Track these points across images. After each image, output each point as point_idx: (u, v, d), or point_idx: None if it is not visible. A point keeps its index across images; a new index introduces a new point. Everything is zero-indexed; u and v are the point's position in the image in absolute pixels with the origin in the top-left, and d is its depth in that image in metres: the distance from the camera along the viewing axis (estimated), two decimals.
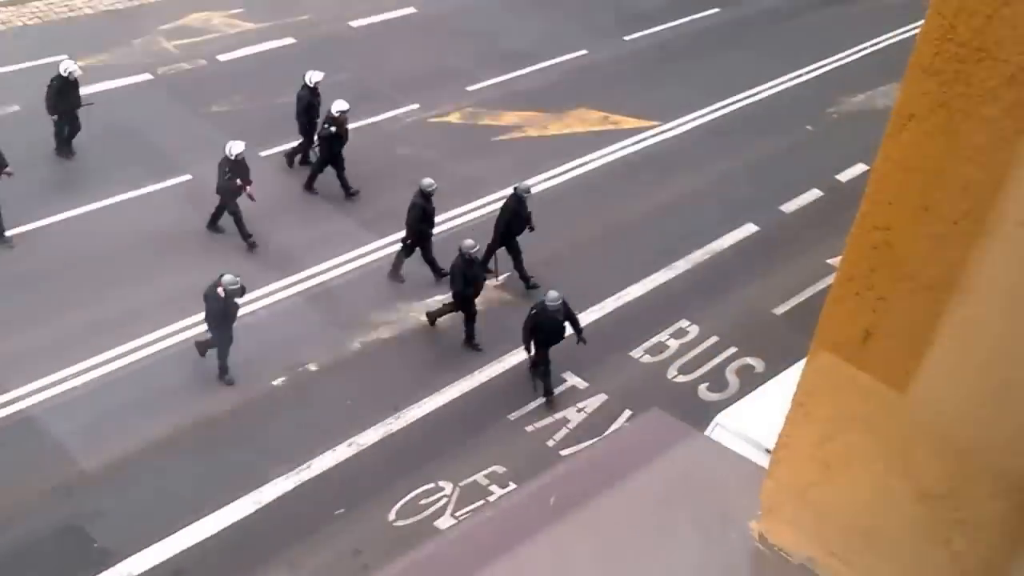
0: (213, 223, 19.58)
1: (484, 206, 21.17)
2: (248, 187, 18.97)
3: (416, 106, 23.99)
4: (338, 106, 20.13)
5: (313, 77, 21.00)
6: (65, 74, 20.29)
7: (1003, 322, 1.51)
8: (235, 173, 18.83)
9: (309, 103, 20.94)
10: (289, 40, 26.02)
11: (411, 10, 28.02)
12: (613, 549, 1.78)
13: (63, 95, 20.41)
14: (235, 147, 18.81)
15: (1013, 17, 1.38)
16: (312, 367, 17.29)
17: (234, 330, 16.53)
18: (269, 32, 26.19)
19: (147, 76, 23.91)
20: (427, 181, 18.63)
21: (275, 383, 16.85)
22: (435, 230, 19.19)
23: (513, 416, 16.86)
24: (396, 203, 20.60)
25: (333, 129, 20.14)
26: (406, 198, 20.68)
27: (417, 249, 18.97)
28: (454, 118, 23.92)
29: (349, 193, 20.85)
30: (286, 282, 18.78)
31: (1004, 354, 1.53)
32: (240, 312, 16.74)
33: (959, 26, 1.45)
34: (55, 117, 20.65)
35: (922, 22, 1.60)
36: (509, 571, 1.79)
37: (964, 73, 1.45)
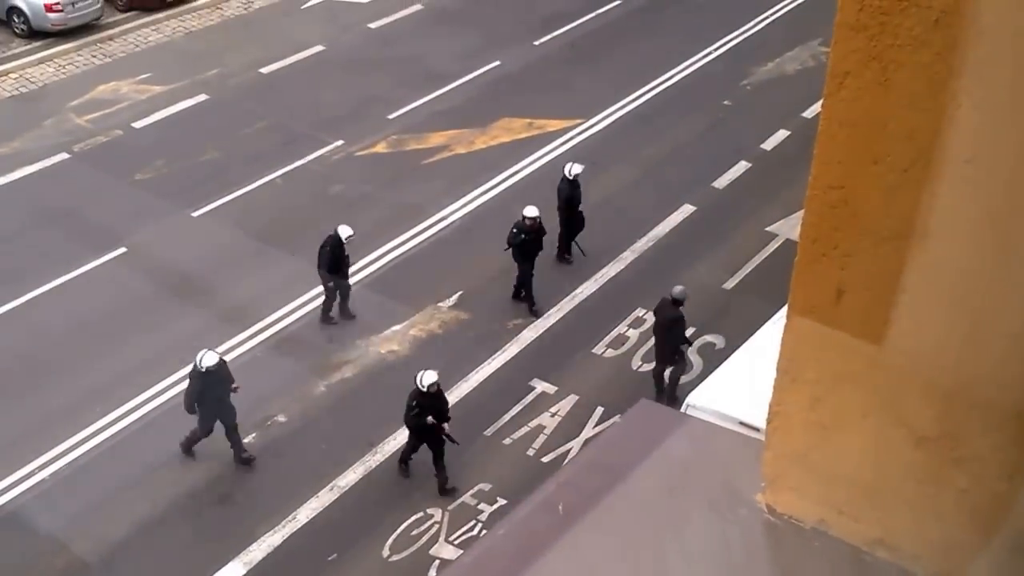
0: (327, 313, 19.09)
1: (426, 230, 21.23)
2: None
3: (341, 142, 24.00)
4: (529, 212, 18.94)
5: (573, 169, 19.86)
6: None
7: (966, 259, 1.57)
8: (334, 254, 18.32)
9: (569, 196, 19.86)
10: (202, 97, 25.92)
11: (319, 48, 28.03)
12: (630, 546, 1.81)
13: None
14: (343, 231, 18.21)
15: None
16: (281, 418, 17.24)
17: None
18: (180, 92, 26.08)
19: (64, 155, 23.70)
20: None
21: (247, 441, 16.76)
22: (383, 260, 19.20)
23: (489, 432, 16.92)
24: None
25: (523, 236, 18.86)
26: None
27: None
28: (381, 148, 23.96)
29: (532, 308, 19.35)
30: (242, 336, 18.69)
31: (972, 291, 1.59)
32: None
33: None
34: None
35: None
36: None
37: (890, 24, 1.49)
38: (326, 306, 18.91)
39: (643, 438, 2.19)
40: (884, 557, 1.75)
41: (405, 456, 16.15)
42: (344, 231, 18.17)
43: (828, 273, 1.71)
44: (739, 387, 13.83)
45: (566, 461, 16.25)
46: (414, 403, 15.36)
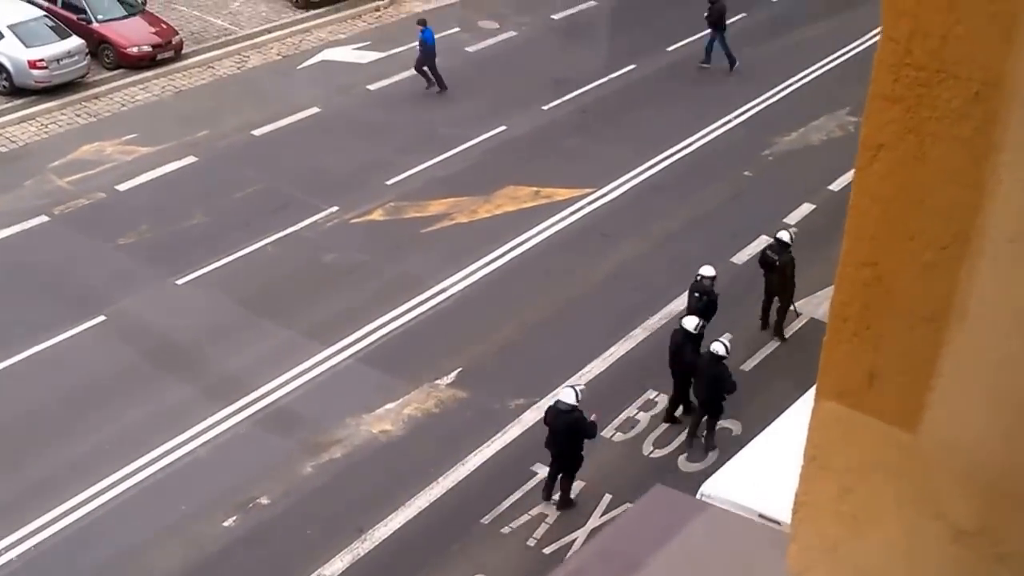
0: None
1: (424, 302, 21.21)
2: None
3: (335, 208, 24.07)
4: (706, 271, 19.43)
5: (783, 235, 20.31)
6: None
7: (1008, 343, 1.54)
8: None
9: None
10: (191, 159, 26.06)
11: (315, 110, 28.22)
12: None
13: None
14: None
15: (968, 34, 1.43)
16: (264, 500, 17.08)
17: (176, 474, 16.29)
18: (168, 153, 26.22)
19: (44, 218, 23.77)
20: None
21: (227, 524, 16.60)
22: (378, 334, 19.19)
23: (487, 519, 16.74)
24: (330, 314, 20.66)
25: (705, 297, 19.27)
26: (340, 307, 20.81)
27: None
28: (377, 215, 24.04)
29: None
30: (227, 411, 18.59)
31: (1013, 378, 1.56)
32: (179, 451, 16.55)
33: (915, 50, 1.49)
34: None
35: (873, 49, 1.65)
36: None
37: (928, 96, 1.49)
38: None
39: (658, 526, 2.17)
40: None
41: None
42: None
43: (859, 355, 1.70)
44: (757, 477, 13.71)
45: (571, 552, 16.06)
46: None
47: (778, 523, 2.00)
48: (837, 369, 1.75)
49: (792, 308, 20.49)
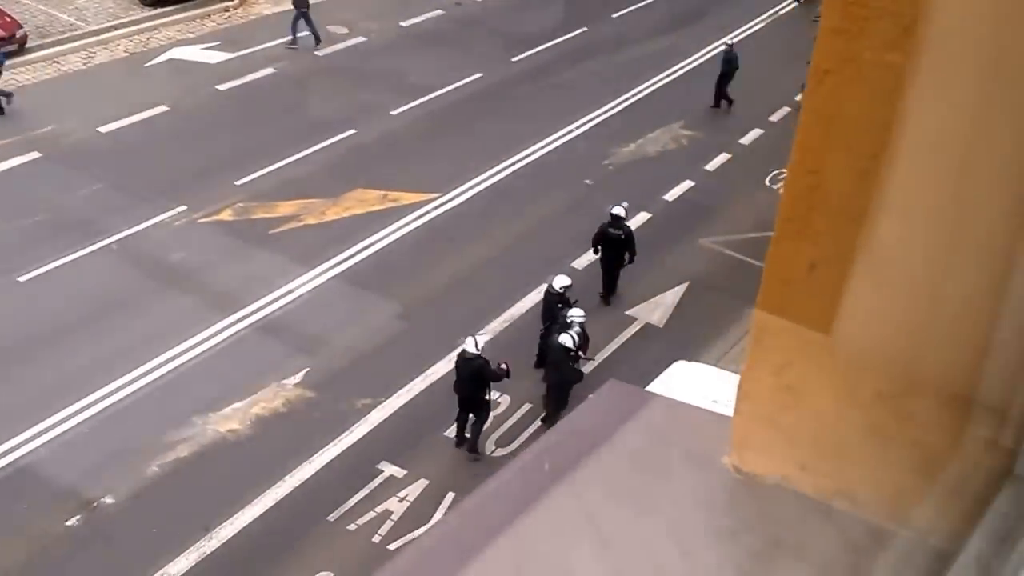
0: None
1: (272, 303, 21.03)
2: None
3: (183, 207, 23.67)
4: (560, 281, 19.90)
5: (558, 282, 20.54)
6: None
7: (923, 238, 1.82)
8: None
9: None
10: (34, 155, 25.31)
11: (163, 109, 27.68)
12: (597, 513, 2.01)
13: None
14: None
15: None
16: (108, 499, 16.73)
17: (19, 473, 15.86)
18: (10, 149, 25.41)
19: None
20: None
21: (69, 524, 16.21)
22: (226, 334, 18.95)
23: (332, 517, 16.71)
24: (177, 313, 20.33)
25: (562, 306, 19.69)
26: (187, 307, 20.51)
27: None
28: (226, 215, 23.72)
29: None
30: (70, 410, 18.14)
31: (926, 270, 1.84)
32: (21, 449, 16.10)
33: None
34: None
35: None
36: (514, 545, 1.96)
37: (867, 29, 1.73)
38: None
39: (613, 413, 2.37)
40: (841, 506, 1.98)
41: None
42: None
43: (802, 249, 1.94)
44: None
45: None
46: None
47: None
48: (781, 262, 1.99)
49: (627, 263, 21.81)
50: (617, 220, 21.46)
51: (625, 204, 21.95)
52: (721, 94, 29.72)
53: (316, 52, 31.24)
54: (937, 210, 1.81)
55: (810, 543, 1.93)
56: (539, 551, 1.91)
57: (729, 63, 29.36)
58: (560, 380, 18.39)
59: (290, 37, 30.81)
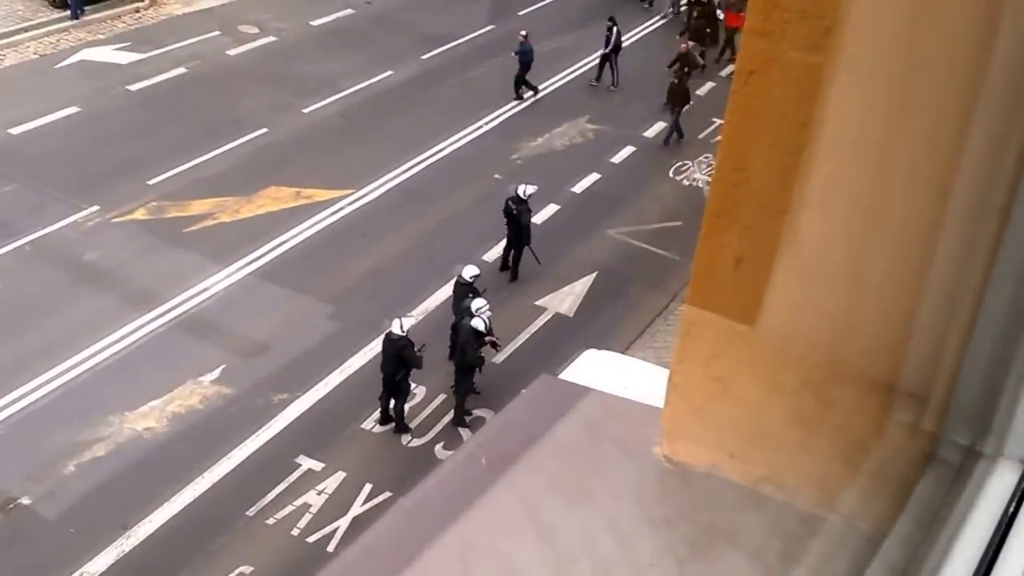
0: None
1: (187, 300, 20.71)
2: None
3: (96, 207, 23.19)
4: (468, 271, 19.78)
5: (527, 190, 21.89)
6: None
7: (842, 231, 1.86)
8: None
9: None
10: None
11: (74, 110, 27.09)
12: (533, 507, 2.02)
13: None
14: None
15: None
16: (25, 500, 16.35)
17: None
18: None
19: None
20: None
21: None
22: (140, 333, 18.62)
23: (251, 511, 16.51)
24: (91, 313, 19.94)
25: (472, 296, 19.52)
26: (101, 306, 20.14)
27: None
28: (140, 215, 23.29)
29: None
30: None
31: (845, 261, 1.87)
32: None
33: None
34: None
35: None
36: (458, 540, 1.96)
37: (789, 31, 1.77)
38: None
39: (547, 407, 2.40)
40: (769, 493, 2.02)
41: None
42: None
43: (729, 243, 1.97)
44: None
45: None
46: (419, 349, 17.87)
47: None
48: (708, 257, 2.01)
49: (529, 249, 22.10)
50: (515, 198, 21.87)
51: (529, 187, 21.99)
52: (520, 83, 29.74)
53: (227, 52, 30.81)
54: (857, 203, 1.84)
55: (742, 530, 1.94)
56: (482, 545, 1.90)
57: (524, 55, 29.33)
58: (462, 363, 18.42)
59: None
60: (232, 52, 30.87)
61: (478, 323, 18.22)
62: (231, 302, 20.90)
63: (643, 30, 36.03)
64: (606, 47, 30.96)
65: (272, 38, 31.94)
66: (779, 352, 1.98)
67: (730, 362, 2.03)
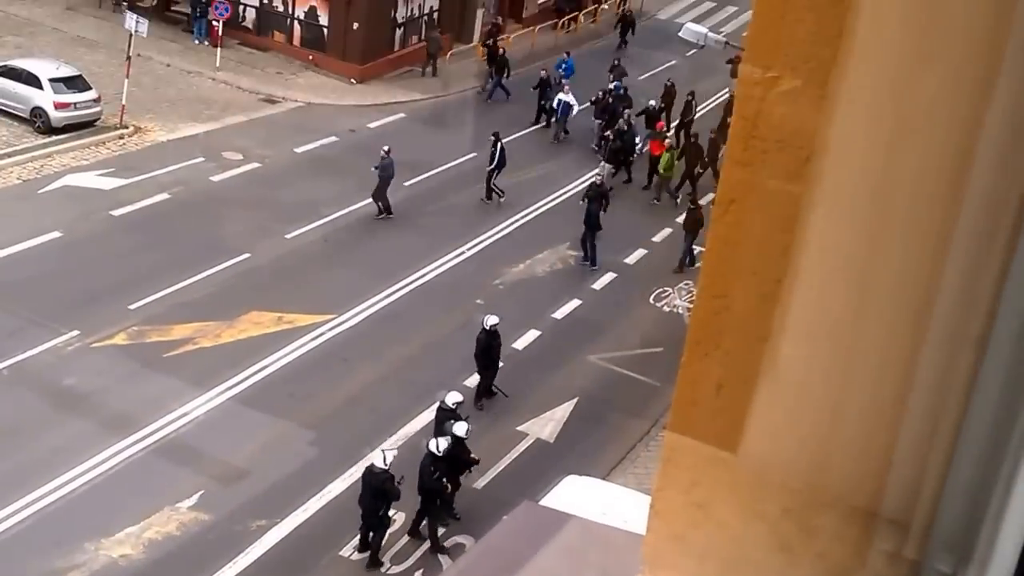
0: None
1: (166, 426, 20.52)
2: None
3: (76, 332, 23.08)
4: (452, 398, 19.85)
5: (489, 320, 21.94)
6: None
7: (824, 357, 1.85)
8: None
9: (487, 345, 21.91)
10: None
11: (56, 234, 27.11)
12: None
13: None
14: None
15: (800, 115, 1.78)
16: None
17: None
18: None
19: None
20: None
21: None
22: (119, 458, 18.39)
23: None
24: (67, 439, 19.74)
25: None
26: (78, 432, 19.97)
27: None
28: (120, 339, 23.19)
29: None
30: None
31: (825, 388, 1.86)
32: None
33: (760, 126, 1.80)
34: None
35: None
36: None
37: (769, 161, 1.80)
38: None
39: (529, 535, 2.39)
40: None
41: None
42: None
43: (709, 370, 1.96)
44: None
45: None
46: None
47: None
48: (689, 383, 2.01)
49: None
50: (484, 329, 21.95)
51: (494, 319, 22.05)
52: (377, 197, 29.79)
53: (211, 178, 31.08)
54: (837, 330, 1.85)
55: None
56: None
57: (384, 169, 29.27)
58: (420, 487, 18.24)
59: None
60: (216, 178, 31.13)
61: (433, 445, 18.17)
62: (210, 427, 20.73)
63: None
64: (491, 163, 31.16)
65: (256, 164, 32.25)
66: (760, 478, 1.98)
67: (711, 488, 2.03)
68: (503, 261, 28.31)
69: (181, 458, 19.75)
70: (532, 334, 24.78)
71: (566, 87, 36.76)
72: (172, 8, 41.71)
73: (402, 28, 41.43)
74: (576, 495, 16.20)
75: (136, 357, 22.62)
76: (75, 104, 31.95)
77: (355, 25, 38.73)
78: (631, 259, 29.30)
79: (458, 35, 43.82)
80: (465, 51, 43.18)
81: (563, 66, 39.43)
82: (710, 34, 49.24)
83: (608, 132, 34.40)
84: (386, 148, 29.60)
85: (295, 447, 20.39)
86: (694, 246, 28.05)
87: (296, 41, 40.18)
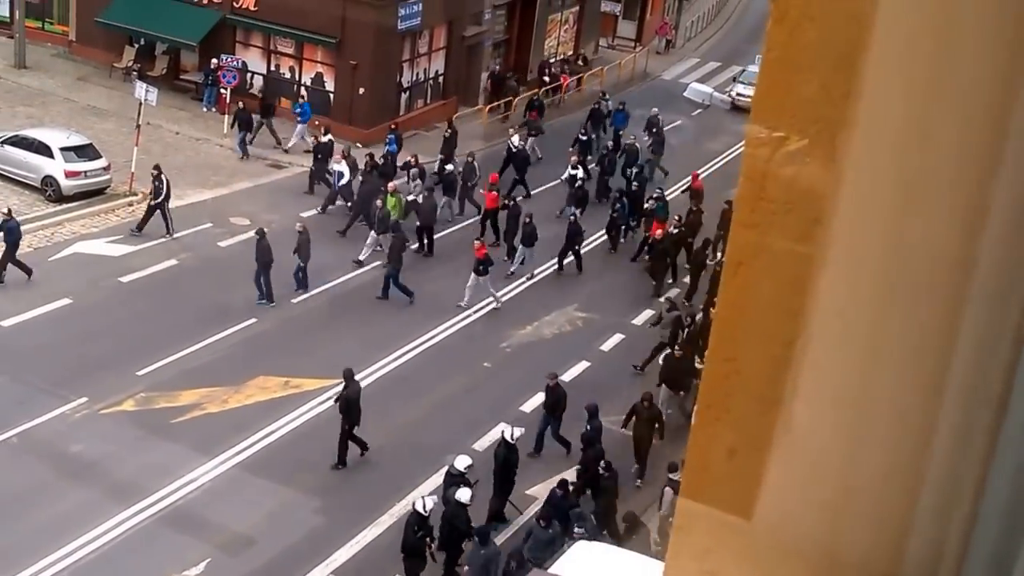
0: None
1: (172, 493, 20.40)
2: None
3: (84, 399, 23.04)
4: (461, 462, 19.76)
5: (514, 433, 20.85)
6: None
7: (837, 426, 1.83)
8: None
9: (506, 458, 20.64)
10: None
11: (66, 301, 27.16)
12: None
13: None
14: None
15: (808, 175, 1.77)
16: None
17: None
18: None
19: None
20: None
21: None
22: (121, 529, 18.26)
23: None
24: (73, 507, 19.63)
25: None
26: (84, 500, 19.83)
27: None
28: (128, 406, 23.13)
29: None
30: None
31: (837, 456, 1.84)
32: None
33: (768, 187, 1.79)
34: None
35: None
36: None
37: (777, 223, 1.78)
38: None
39: None
40: None
41: None
42: None
43: (721, 435, 1.93)
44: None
45: None
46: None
47: None
48: (701, 448, 1.97)
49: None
50: (504, 442, 20.80)
51: (517, 430, 21.12)
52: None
53: (219, 243, 31.14)
54: (850, 394, 1.82)
55: None
56: None
57: (10, 232, 27.42)
58: (403, 546, 18.37)
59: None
60: (223, 244, 31.22)
61: (419, 504, 18.30)
62: (217, 495, 20.61)
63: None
64: (155, 197, 30.26)
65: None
66: (774, 546, 1.95)
67: (725, 556, 1.99)
68: (510, 324, 28.28)
69: (187, 526, 19.62)
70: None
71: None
72: (181, 77, 42.11)
73: (407, 92, 41.78)
74: (587, 561, 16.01)
75: (144, 424, 22.56)
76: (85, 172, 32.19)
77: (361, 90, 39.04)
78: (639, 320, 29.25)
79: (463, 98, 44.23)
80: (470, 114, 43.48)
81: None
82: (715, 93, 49.64)
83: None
84: (6, 210, 28.20)
85: (301, 515, 20.25)
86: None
87: None
